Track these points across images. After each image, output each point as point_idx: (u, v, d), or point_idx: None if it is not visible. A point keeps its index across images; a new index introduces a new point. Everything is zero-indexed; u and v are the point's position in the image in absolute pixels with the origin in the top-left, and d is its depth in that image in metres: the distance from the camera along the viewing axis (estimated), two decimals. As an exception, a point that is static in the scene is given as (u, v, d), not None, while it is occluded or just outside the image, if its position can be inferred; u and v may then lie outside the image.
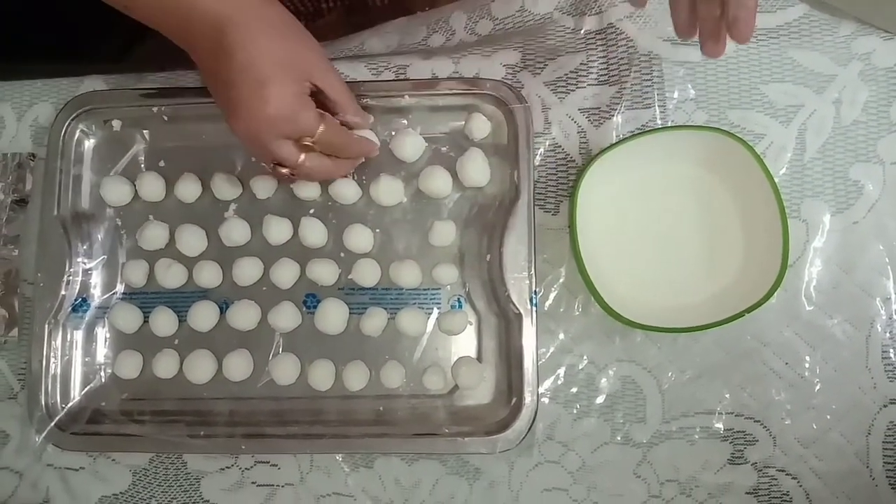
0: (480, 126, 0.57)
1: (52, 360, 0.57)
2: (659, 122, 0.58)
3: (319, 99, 0.51)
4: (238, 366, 0.56)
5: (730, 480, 0.55)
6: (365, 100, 0.58)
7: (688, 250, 0.56)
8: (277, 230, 0.57)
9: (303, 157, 0.51)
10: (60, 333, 0.57)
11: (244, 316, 0.56)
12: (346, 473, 0.56)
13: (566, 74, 0.59)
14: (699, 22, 0.50)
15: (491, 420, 0.55)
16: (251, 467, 0.57)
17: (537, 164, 0.58)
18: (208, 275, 0.57)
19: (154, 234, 0.58)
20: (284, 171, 0.51)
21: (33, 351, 0.56)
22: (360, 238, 0.57)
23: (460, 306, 0.57)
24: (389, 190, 0.57)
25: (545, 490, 0.56)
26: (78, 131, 0.59)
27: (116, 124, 0.60)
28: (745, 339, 0.56)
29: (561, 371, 0.56)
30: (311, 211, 0.58)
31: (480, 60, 0.60)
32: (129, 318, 0.57)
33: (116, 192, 0.58)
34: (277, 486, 0.57)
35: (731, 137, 0.53)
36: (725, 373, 0.56)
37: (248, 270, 0.57)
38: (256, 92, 0.47)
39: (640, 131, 0.58)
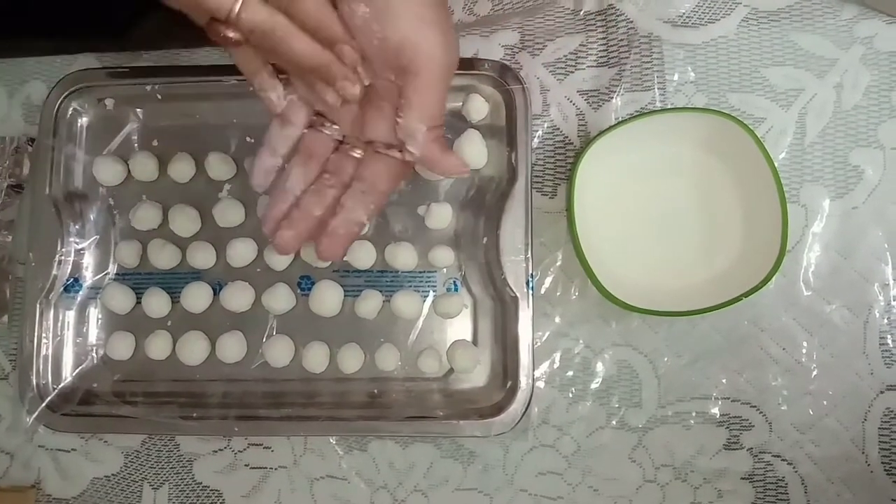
0: (478, 107, 0.57)
1: (44, 340, 0.56)
2: (658, 104, 0.57)
3: None
4: (231, 347, 0.55)
5: (725, 466, 0.55)
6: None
7: (686, 234, 0.56)
8: (272, 211, 0.56)
9: (238, 5, 0.38)
10: (52, 314, 0.57)
11: (238, 297, 0.56)
12: (339, 456, 0.56)
13: (565, 56, 0.59)
14: (295, 210, 0.48)
15: (486, 403, 0.54)
16: (244, 449, 0.57)
17: (535, 146, 0.58)
18: (202, 256, 0.57)
19: (147, 215, 0.57)
20: (222, 29, 0.38)
21: (25, 331, 0.56)
22: (355, 220, 0.56)
23: (456, 289, 0.57)
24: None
25: (540, 474, 0.55)
26: (70, 110, 0.59)
27: (109, 103, 0.59)
28: (743, 323, 0.56)
29: (557, 355, 0.56)
30: (307, 192, 0.58)
31: (479, 41, 0.59)
32: (121, 299, 0.57)
33: (109, 171, 0.58)
34: (270, 468, 0.56)
35: (732, 120, 0.52)
36: (722, 358, 0.56)
37: (242, 252, 0.56)
38: None
39: (639, 113, 0.57)
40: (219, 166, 0.57)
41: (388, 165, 0.47)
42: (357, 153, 0.48)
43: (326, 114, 0.48)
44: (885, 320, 0.55)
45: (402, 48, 0.42)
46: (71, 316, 0.57)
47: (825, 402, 0.55)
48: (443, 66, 0.43)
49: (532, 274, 0.54)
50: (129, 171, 0.58)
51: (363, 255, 0.56)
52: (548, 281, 0.56)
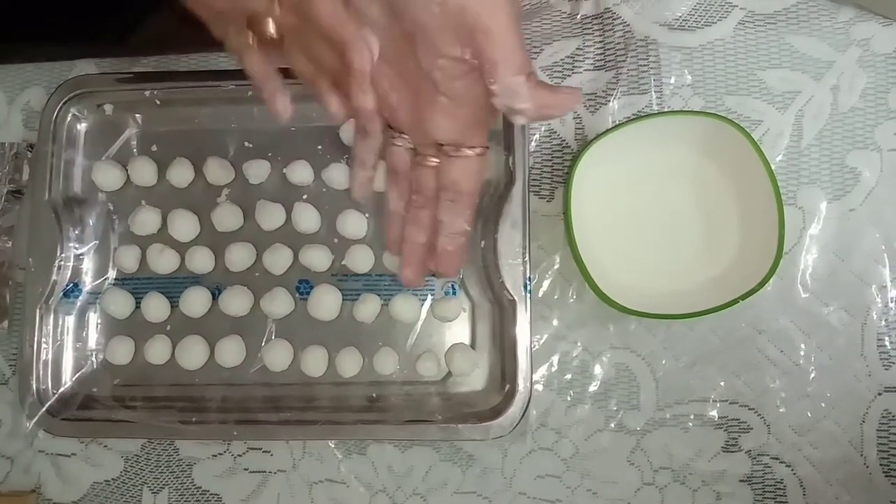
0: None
1: (44, 345, 0.56)
2: (655, 107, 0.58)
3: None
4: (230, 352, 0.56)
5: (723, 468, 0.55)
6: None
7: (683, 237, 0.56)
8: (270, 216, 0.57)
9: (276, 6, 0.41)
10: (52, 319, 0.57)
11: (237, 302, 0.56)
12: (338, 460, 0.56)
13: (562, 59, 0.59)
14: (403, 244, 0.49)
15: (484, 407, 0.54)
16: (243, 454, 0.57)
17: (532, 150, 0.58)
18: (201, 260, 0.57)
19: (146, 220, 0.57)
20: (265, 28, 0.41)
21: (25, 336, 0.56)
22: (353, 224, 0.56)
23: (454, 293, 0.57)
24: (384, 176, 0.56)
25: (538, 477, 0.56)
26: (70, 115, 0.59)
27: (108, 108, 0.60)
28: (740, 326, 0.56)
29: (555, 358, 0.56)
30: (305, 196, 0.58)
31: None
32: (120, 304, 0.57)
33: (108, 176, 0.58)
34: (270, 472, 0.57)
35: (728, 123, 0.53)
36: (720, 360, 0.56)
37: (240, 256, 0.56)
38: None
39: (635, 117, 0.57)
40: (217, 171, 0.58)
41: (465, 166, 0.46)
42: (432, 162, 0.48)
43: (391, 122, 0.48)
44: (883, 322, 0.55)
45: (465, 8, 0.39)
46: (70, 321, 0.58)
47: (823, 405, 0.55)
48: (510, 12, 0.40)
49: (530, 277, 0.54)
50: (128, 176, 0.58)
51: (361, 259, 0.56)
52: (545, 284, 0.57)
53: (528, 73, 0.41)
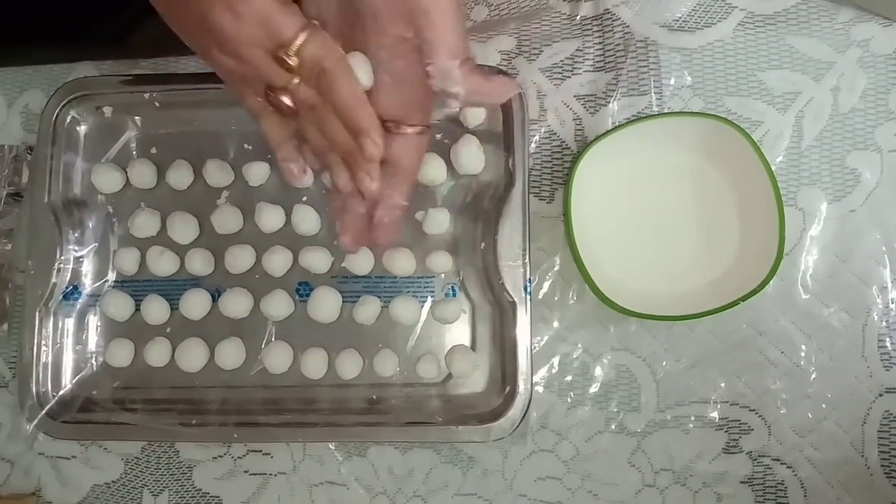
0: (475, 113, 0.57)
1: (44, 348, 0.56)
2: (655, 108, 0.57)
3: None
4: (230, 354, 0.56)
5: (724, 469, 0.55)
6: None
7: (683, 238, 0.56)
8: (270, 218, 0.57)
9: (296, 80, 0.42)
10: (52, 321, 0.57)
11: (236, 304, 0.56)
12: (339, 462, 0.56)
13: (562, 61, 0.59)
14: (344, 213, 0.50)
15: (485, 409, 0.54)
16: (244, 456, 0.57)
17: (532, 151, 0.58)
18: (200, 262, 0.57)
19: (146, 222, 0.57)
20: (282, 99, 0.43)
21: (24, 339, 0.56)
22: (353, 226, 0.56)
23: (454, 294, 0.57)
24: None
25: (539, 479, 0.55)
26: (69, 118, 0.59)
27: (108, 111, 0.60)
28: (741, 327, 0.56)
29: (555, 359, 0.56)
30: (304, 198, 0.58)
31: (475, 47, 0.59)
32: (120, 306, 0.57)
33: (108, 179, 0.58)
34: (270, 474, 0.56)
35: (728, 124, 0.53)
36: (721, 361, 0.55)
37: (240, 258, 0.56)
38: None
39: (635, 118, 0.57)
40: (217, 173, 0.57)
41: (405, 143, 0.47)
42: None
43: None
44: (884, 323, 0.55)
45: None
46: (70, 323, 0.58)
47: (824, 406, 0.55)
48: None
49: (530, 279, 0.54)
50: (127, 178, 0.58)
51: (361, 261, 0.56)
52: (546, 286, 0.57)
53: (463, 58, 0.42)
